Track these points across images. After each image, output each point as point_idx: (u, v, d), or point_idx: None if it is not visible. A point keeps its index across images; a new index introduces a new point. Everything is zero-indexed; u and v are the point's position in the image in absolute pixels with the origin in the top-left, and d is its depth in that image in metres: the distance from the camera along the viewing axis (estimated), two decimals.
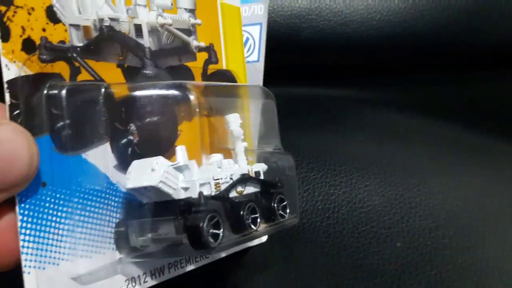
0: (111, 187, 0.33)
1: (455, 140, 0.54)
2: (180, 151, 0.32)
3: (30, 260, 0.28)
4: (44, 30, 0.30)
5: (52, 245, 0.29)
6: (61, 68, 0.31)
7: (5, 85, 0.28)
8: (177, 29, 0.39)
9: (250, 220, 0.34)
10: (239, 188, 0.35)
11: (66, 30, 0.31)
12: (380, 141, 0.47)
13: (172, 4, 0.38)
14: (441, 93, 0.59)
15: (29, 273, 0.28)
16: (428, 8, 0.56)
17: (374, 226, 0.43)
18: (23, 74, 0.29)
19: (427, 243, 0.43)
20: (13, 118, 0.28)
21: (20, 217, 0.28)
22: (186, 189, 0.32)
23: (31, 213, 0.29)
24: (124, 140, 0.34)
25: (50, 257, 0.29)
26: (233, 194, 0.35)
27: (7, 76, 0.28)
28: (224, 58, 0.43)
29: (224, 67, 0.43)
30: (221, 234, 0.32)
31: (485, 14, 0.57)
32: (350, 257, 0.44)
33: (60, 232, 0.30)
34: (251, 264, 0.43)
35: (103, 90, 0.32)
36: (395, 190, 0.47)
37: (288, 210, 0.38)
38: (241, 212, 0.34)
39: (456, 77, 0.60)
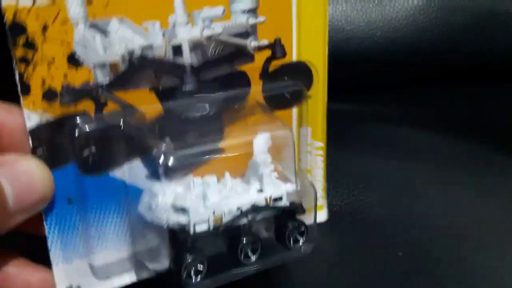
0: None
1: (457, 154, 0.54)
2: (179, 193, 0.35)
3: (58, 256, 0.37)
4: (65, 76, 0.33)
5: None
6: (85, 105, 0.35)
7: (28, 133, 0.33)
8: (232, 34, 0.38)
9: (247, 254, 0.37)
10: (253, 215, 0.37)
11: (90, 71, 0.34)
12: (381, 154, 0.47)
13: (223, 12, 0.37)
14: (444, 108, 0.58)
15: (57, 265, 0.37)
16: (427, 25, 0.54)
17: (377, 236, 0.44)
18: (44, 121, 0.34)
19: (428, 253, 0.44)
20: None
21: (47, 227, 0.36)
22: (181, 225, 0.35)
23: (58, 224, 0.36)
24: (157, 152, 0.38)
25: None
26: (243, 221, 0.37)
27: (29, 125, 0.33)
28: (295, 49, 0.40)
29: (294, 59, 0.41)
30: (203, 272, 0.36)
31: (484, 30, 0.55)
32: (354, 265, 0.44)
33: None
34: None
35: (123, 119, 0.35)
36: (397, 202, 0.48)
37: (304, 237, 0.39)
38: (239, 247, 0.36)
39: (458, 91, 0.59)
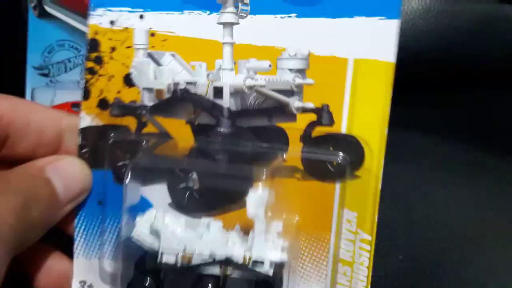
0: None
1: (457, 157, 0.55)
2: (158, 216, 0.36)
3: (80, 249, 0.41)
4: (119, 92, 0.40)
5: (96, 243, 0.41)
6: (129, 121, 0.40)
7: (79, 131, 0.40)
8: (275, 90, 0.39)
9: None
10: (227, 270, 0.35)
11: (138, 93, 0.39)
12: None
13: (270, 66, 0.38)
14: (443, 112, 0.60)
15: (77, 257, 0.41)
16: (427, 30, 0.54)
17: (377, 239, 0.40)
18: (94, 124, 0.40)
19: (428, 256, 0.44)
20: (81, 154, 0.40)
21: (76, 221, 0.41)
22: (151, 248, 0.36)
23: (85, 221, 0.41)
24: (183, 185, 0.40)
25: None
26: (215, 271, 0.35)
27: (82, 124, 0.40)
28: (345, 121, 0.38)
29: (344, 131, 0.38)
30: None
31: (485, 36, 0.55)
32: None
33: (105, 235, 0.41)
34: None
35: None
36: (398, 205, 0.48)
37: None
38: None
39: (458, 96, 0.59)
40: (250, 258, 0.36)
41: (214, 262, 0.36)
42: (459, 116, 0.59)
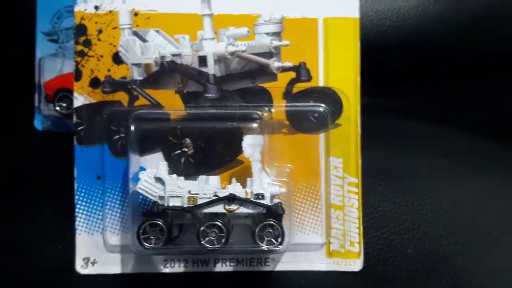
0: None
1: (467, 148, 0.54)
2: (161, 166, 0.38)
3: (82, 226, 0.43)
4: (109, 70, 0.42)
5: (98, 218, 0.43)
6: (121, 96, 0.42)
7: (74, 110, 0.42)
8: (254, 53, 0.42)
9: (209, 236, 0.37)
10: (231, 206, 0.38)
11: (128, 69, 0.42)
12: (391, 148, 0.45)
13: (248, 32, 0.42)
14: (453, 101, 0.58)
15: (79, 234, 0.42)
16: (438, 15, 0.53)
17: (385, 232, 0.43)
18: (87, 102, 0.42)
19: (438, 250, 0.43)
20: (77, 132, 0.42)
21: (77, 197, 0.42)
22: (161, 197, 0.38)
23: (85, 196, 0.42)
24: (178, 151, 0.42)
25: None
26: (220, 210, 0.38)
27: (76, 104, 0.42)
28: (322, 75, 0.42)
29: (321, 84, 0.42)
30: (153, 239, 0.38)
31: (495, 21, 0.54)
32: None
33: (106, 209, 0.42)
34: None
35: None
36: (406, 197, 0.47)
37: (279, 239, 0.37)
38: (200, 228, 0.37)
39: (468, 83, 0.58)
40: (251, 192, 0.38)
41: (218, 199, 0.38)
42: (470, 103, 0.59)
